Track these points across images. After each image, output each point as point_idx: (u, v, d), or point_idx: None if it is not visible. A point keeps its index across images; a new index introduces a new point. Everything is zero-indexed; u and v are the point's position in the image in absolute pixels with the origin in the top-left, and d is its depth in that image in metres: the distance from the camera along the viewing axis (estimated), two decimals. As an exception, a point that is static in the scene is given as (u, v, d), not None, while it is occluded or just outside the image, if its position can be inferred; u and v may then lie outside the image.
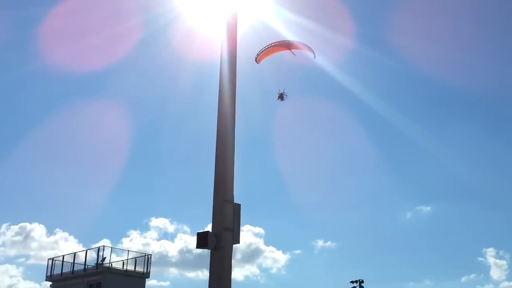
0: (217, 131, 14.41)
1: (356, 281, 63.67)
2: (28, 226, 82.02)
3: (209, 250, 13.94)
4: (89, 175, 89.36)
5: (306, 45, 22.80)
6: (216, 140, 14.39)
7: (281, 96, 24.84)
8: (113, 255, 46.13)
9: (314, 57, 23.13)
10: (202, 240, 13.75)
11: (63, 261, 46.73)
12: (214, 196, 14.19)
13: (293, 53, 22.68)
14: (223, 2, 16.07)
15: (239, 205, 14.33)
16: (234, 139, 14.48)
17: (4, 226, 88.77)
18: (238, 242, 14.22)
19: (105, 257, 44.56)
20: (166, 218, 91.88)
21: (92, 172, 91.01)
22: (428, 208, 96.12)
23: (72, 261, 45.83)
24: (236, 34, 15.31)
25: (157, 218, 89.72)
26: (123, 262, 45.85)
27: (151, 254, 46.76)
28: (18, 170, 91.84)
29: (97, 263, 44.37)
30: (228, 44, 15.04)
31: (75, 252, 47.40)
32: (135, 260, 45.85)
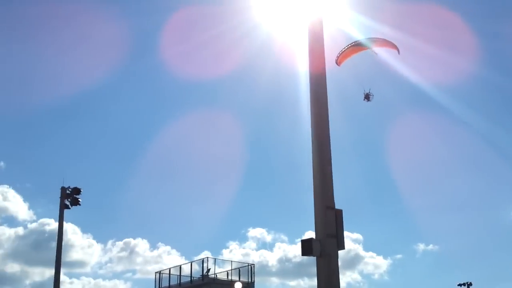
0: (312, 138, 14.49)
1: (464, 284, 61.43)
2: (132, 241, 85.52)
3: (314, 258, 13.99)
4: (188, 189, 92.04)
5: (389, 41, 21.67)
6: (312, 148, 14.47)
7: (367, 97, 24.12)
8: (216, 267, 47.18)
9: (399, 53, 22.01)
10: (307, 247, 13.84)
11: (169, 274, 48.29)
12: (314, 203, 14.25)
13: (375, 53, 21.77)
14: (304, 11, 16.19)
15: (341, 210, 14.30)
16: (329, 145, 14.52)
17: (109, 242, 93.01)
18: (343, 248, 14.17)
19: (209, 268, 45.68)
20: (263, 228, 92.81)
21: (190, 186, 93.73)
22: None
23: (178, 274, 47.26)
24: (323, 43, 15.37)
25: (255, 228, 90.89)
26: (227, 273, 46.74)
27: (254, 264, 47.43)
28: (121, 188, 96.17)
29: (202, 275, 45.52)
30: (314, 53, 15.12)
31: (181, 265, 48.87)
32: (239, 270, 46.63)
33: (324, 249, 13.79)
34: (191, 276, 46.56)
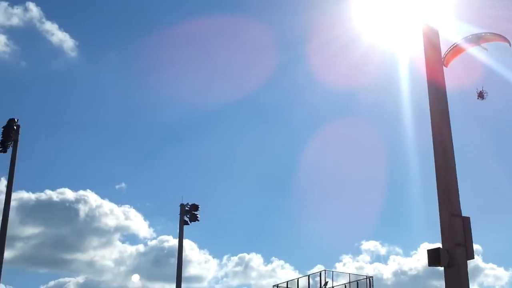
0: (434, 145, 14.13)
1: None
2: (246, 256, 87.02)
3: (434, 269, 13.56)
4: (301, 203, 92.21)
5: (498, 35, 19.98)
6: (434, 155, 14.11)
7: (480, 95, 22.62)
8: (333, 280, 46.75)
9: (510, 45, 20.25)
10: (434, 257, 13.45)
11: (287, 287, 48.49)
12: (440, 211, 13.84)
13: (485, 48, 20.20)
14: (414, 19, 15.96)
15: (469, 218, 13.77)
16: (453, 152, 14.08)
17: (225, 257, 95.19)
18: (473, 257, 13.63)
19: (327, 281, 45.32)
20: (376, 240, 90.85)
21: (303, 201, 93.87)
22: None
23: (297, 286, 47.34)
24: (440, 53, 15.02)
25: (368, 241, 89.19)
26: (345, 286, 46.15)
27: (372, 276, 46.51)
28: (234, 204, 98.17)
29: (320, 287, 45.27)
30: (432, 63, 14.83)
31: (298, 278, 48.93)
32: (357, 283, 45.88)
33: (452, 258, 13.33)
34: (308, 289, 46.48)
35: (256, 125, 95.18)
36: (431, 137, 14.26)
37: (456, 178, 13.80)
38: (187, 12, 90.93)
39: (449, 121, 14.07)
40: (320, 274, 46.03)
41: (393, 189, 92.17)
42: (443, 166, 13.76)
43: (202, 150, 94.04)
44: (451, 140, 14.00)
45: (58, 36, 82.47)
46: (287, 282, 49.34)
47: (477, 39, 19.47)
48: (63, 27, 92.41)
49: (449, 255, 13.36)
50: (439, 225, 13.89)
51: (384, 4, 21.05)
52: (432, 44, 15.05)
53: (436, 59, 14.94)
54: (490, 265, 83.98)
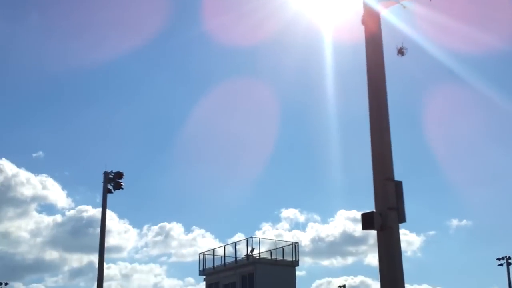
0: (370, 107, 13.97)
1: (503, 258, 60.17)
2: (167, 225, 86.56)
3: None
4: (221, 172, 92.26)
5: None
6: (370, 120, 13.97)
7: (400, 51, 21.71)
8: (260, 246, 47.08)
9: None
10: (368, 221, 13.42)
11: (213, 254, 48.45)
12: (373, 175, 13.77)
13: (404, 6, 18.70)
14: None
15: (401, 182, 13.78)
16: (388, 116, 13.97)
17: (145, 227, 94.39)
18: (405, 221, 13.68)
19: (254, 248, 45.61)
20: (296, 208, 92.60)
21: (223, 169, 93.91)
22: None
23: (223, 254, 47.37)
24: (381, 35, 14.72)
25: (287, 209, 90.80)
26: (271, 252, 46.61)
27: (298, 243, 47.19)
28: (153, 174, 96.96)
29: (247, 255, 45.49)
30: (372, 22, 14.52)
31: (225, 245, 48.95)
32: (283, 249, 46.44)
33: (385, 222, 13.34)
34: (235, 257, 46.63)
35: (177, 90, 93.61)
36: (366, 99, 14.03)
37: (390, 140, 13.74)
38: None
39: (385, 86, 13.92)
40: (247, 241, 46.23)
41: (311, 157, 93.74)
42: (378, 128, 13.65)
43: (121, 115, 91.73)
44: (387, 103, 13.89)
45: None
46: (213, 250, 49.27)
47: None
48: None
49: (382, 219, 13.35)
50: (373, 189, 13.84)
51: None
52: (372, 30, 14.65)
53: (377, 39, 14.59)
54: (403, 230, 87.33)
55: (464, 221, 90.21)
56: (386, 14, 14.88)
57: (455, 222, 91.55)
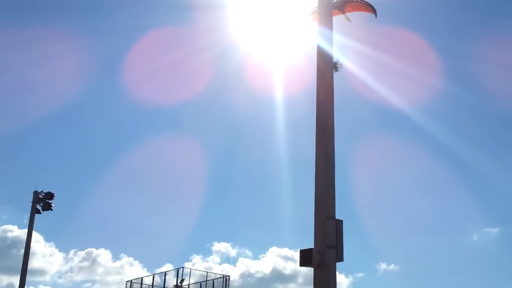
0: (316, 146, 14.15)
1: (425, 303, 61.42)
2: (94, 251, 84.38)
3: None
4: (155, 202, 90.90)
5: (365, 3, 17.61)
6: (316, 156, 14.15)
7: (334, 67, 21.01)
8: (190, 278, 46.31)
9: (376, 17, 18.13)
10: (306, 257, 13.45)
11: (141, 283, 47.21)
12: (315, 213, 13.89)
13: (348, 19, 17.57)
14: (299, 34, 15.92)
15: (341, 221, 13.95)
16: (334, 155, 14.19)
17: (72, 251, 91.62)
18: (342, 260, 13.82)
19: (183, 279, 44.74)
20: (228, 242, 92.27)
21: (157, 199, 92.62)
22: (496, 229, 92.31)
23: (151, 284, 46.23)
24: (332, 74, 15.04)
25: (219, 242, 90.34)
26: (201, 284, 45.86)
27: (229, 276, 46.64)
28: (85, 197, 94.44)
29: (176, 285, 44.57)
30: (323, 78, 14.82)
31: (153, 274, 47.82)
32: (213, 282, 45.78)
33: (323, 260, 13.40)
34: (164, 287, 45.54)
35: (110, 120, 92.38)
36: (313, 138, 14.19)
37: (334, 182, 13.92)
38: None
39: (333, 128, 14.13)
40: (177, 271, 45.35)
41: (248, 193, 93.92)
42: (323, 166, 13.80)
43: (58, 135, 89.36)
44: (333, 145, 14.13)
45: None
46: (141, 278, 48.01)
47: (343, 6, 17.58)
48: None
49: (320, 256, 13.40)
50: (311, 227, 13.93)
51: (262, 12, 20.54)
52: (324, 69, 14.97)
53: (328, 78, 14.91)
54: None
55: (392, 266, 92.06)
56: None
57: (383, 266, 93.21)
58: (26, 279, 33.44)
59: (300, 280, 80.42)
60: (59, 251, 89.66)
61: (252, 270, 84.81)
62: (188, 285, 45.09)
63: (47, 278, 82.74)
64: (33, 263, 74.52)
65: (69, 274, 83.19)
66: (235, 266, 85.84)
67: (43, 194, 37.13)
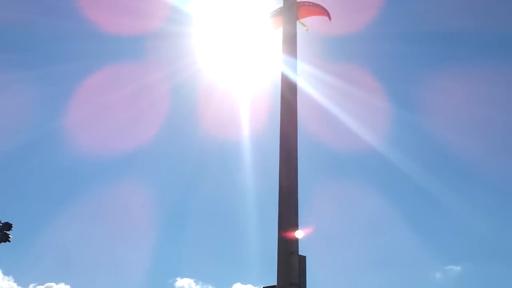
0: (280, 183, 13.95)
1: None
2: (54, 286, 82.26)
3: None
4: (117, 236, 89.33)
5: (318, 6, 16.45)
6: (279, 190, 13.92)
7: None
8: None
9: (330, 20, 16.75)
10: (269, 295, 13.06)
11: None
12: (278, 249, 13.54)
13: (305, 26, 16.24)
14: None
15: (305, 257, 13.62)
16: (297, 188, 13.98)
17: (31, 286, 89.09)
18: (305, 297, 13.44)
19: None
20: (191, 278, 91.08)
21: (120, 233, 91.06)
22: (459, 267, 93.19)
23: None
24: (296, 104, 14.96)
25: (182, 278, 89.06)
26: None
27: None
28: (46, 231, 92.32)
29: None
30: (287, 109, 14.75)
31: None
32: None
33: (286, 298, 13.03)
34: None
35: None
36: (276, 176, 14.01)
37: (297, 218, 13.67)
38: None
39: (297, 163, 13.97)
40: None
41: (213, 227, 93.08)
42: (287, 204, 13.57)
43: (19, 163, 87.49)
44: (297, 180, 13.93)
45: None
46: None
47: (296, 10, 16.27)
48: None
49: (283, 294, 13.06)
50: (274, 263, 13.60)
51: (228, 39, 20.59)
52: (288, 100, 14.89)
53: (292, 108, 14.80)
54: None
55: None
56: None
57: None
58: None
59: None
60: (18, 285, 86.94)
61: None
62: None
63: (5, 313, 79.90)
64: (-13, 300, 71.95)
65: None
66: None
67: (1, 224, 36.14)
